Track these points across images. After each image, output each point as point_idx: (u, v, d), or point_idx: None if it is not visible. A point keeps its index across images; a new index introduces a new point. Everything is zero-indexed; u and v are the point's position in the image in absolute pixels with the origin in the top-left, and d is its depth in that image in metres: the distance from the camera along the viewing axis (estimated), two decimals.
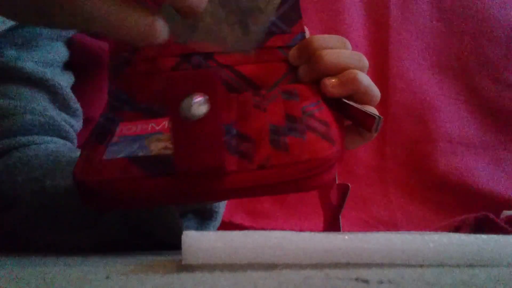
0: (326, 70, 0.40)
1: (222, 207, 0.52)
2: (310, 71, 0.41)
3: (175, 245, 0.42)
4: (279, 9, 0.43)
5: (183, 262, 0.24)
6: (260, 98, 0.40)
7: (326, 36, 0.42)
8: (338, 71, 0.40)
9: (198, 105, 0.30)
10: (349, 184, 0.42)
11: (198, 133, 0.31)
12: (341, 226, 0.42)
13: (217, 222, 0.52)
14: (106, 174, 0.35)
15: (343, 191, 0.43)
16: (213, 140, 0.32)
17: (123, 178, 0.35)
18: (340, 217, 0.41)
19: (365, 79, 0.40)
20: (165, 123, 0.39)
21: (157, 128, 0.39)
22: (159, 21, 0.29)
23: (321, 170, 0.35)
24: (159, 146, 0.36)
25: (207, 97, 0.30)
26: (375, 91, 0.41)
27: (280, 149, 0.35)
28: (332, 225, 0.42)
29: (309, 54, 0.41)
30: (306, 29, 0.44)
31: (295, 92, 0.40)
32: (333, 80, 0.40)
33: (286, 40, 0.43)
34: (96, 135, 0.39)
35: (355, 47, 0.45)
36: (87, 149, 0.38)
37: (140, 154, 0.36)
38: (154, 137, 0.38)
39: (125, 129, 0.39)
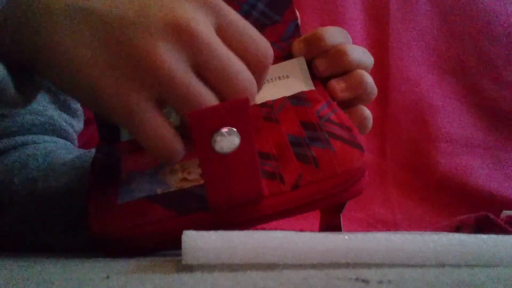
0: (347, 66, 0.40)
1: None
2: (331, 66, 0.40)
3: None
4: None
5: (183, 262, 0.24)
6: (268, 109, 0.38)
7: (330, 29, 0.41)
8: (354, 68, 0.40)
9: (230, 138, 0.28)
10: None
11: (232, 167, 0.29)
12: (342, 225, 0.41)
13: None
14: (128, 221, 0.32)
15: None
16: (250, 172, 0.30)
17: (149, 221, 0.32)
18: (341, 216, 0.41)
19: (370, 80, 0.41)
20: None
21: None
22: (179, 145, 0.29)
23: (356, 179, 0.34)
24: (176, 178, 0.34)
25: (236, 129, 0.28)
26: (375, 90, 0.42)
27: (309, 163, 0.33)
28: (332, 224, 0.42)
29: (322, 48, 0.40)
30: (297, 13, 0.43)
31: (303, 97, 0.39)
32: (342, 84, 0.40)
33: (279, 32, 0.41)
34: (99, 175, 0.36)
35: None
36: (95, 195, 0.34)
37: (159, 191, 0.33)
38: (167, 169, 0.35)
39: (130, 163, 0.36)
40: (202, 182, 0.33)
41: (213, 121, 0.28)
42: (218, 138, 0.28)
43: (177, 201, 0.32)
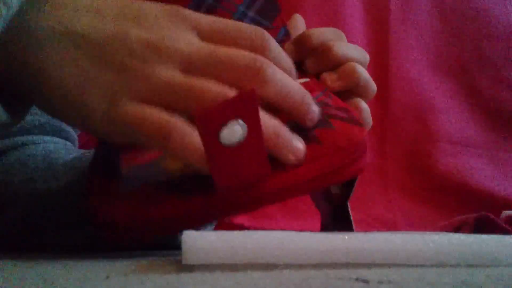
0: (334, 61, 0.40)
1: None
2: (318, 63, 0.41)
3: (172, 245, 0.42)
4: (255, 2, 0.41)
5: (183, 262, 0.24)
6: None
7: (320, 28, 0.42)
8: (343, 63, 0.40)
9: (237, 130, 0.28)
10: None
11: (239, 156, 0.29)
12: (351, 215, 0.41)
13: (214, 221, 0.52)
14: (131, 205, 0.32)
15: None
16: (257, 158, 0.30)
17: (153, 204, 0.32)
18: (349, 206, 0.41)
19: (364, 73, 0.41)
20: None
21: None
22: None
23: (358, 154, 0.34)
24: (179, 165, 0.34)
25: (244, 123, 0.28)
26: (373, 85, 0.42)
27: (311, 142, 0.33)
28: (339, 218, 0.41)
29: (310, 48, 0.41)
30: (300, 19, 0.44)
31: None
32: (333, 74, 0.40)
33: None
34: (99, 170, 0.36)
35: None
36: (96, 187, 0.35)
37: (162, 178, 0.33)
38: (169, 158, 0.35)
39: (130, 158, 0.36)
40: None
41: (220, 117, 0.28)
42: (225, 132, 0.28)
43: (181, 185, 0.33)
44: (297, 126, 0.35)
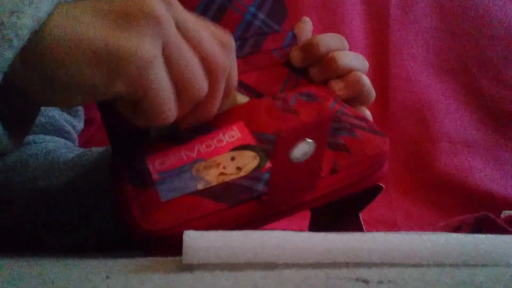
0: (339, 72, 0.42)
1: None
2: (323, 73, 0.43)
3: None
4: (264, 4, 0.42)
5: (183, 261, 0.24)
6: (282, 101, 0.40)
7: (326, 36, 0.43)
8: (346, 73, 0.43)
9: (307, 150, 0.30)
10: (383, 186, 0.40)
11: (301, 171, 0.31)
12: (363, 224, 0.41)
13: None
14: (181, 216, 0.32)
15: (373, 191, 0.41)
16: (313, 173, 0.32)
17: (203, 214, 0.32)
18: (360, 215, 0.41)
19: (367, 81, 0.43)
20: (197, 147, 0.37)
21: (193, 155, 0.36)
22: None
23: (382, 162, 0.36)
24: (214, 173, 0.34)
25: (314, 142, 0.29)
26: (373, 93, 0.45)
27: (341, 150, 0.35)
28: (353, 225, 0.41)
29: (317, 56, 0.43)
30: (308, 22, 0.45)
31: (312, 94, 0.41)
32: (340, 83, 0.42)
33: (279, 40, 0.43)
34: (129, 180, 0.35)
35: (355, 47, 0.46)
36: (133, 197, 0.34)
37: (200, 187, 0.33)
38: (199, 165, 0.35)
39: (157, 164, 0.36)
40: (241, 175, 0.34)
41: (296, 137, 0.29)
42: (295, 150, 0.29)
43: (225, 194, 0.33)
44: (330, 134, 0.36)
